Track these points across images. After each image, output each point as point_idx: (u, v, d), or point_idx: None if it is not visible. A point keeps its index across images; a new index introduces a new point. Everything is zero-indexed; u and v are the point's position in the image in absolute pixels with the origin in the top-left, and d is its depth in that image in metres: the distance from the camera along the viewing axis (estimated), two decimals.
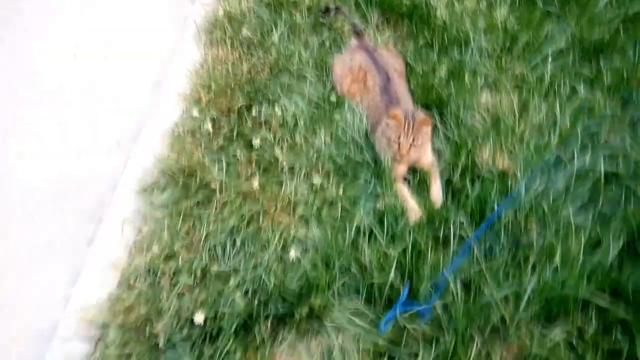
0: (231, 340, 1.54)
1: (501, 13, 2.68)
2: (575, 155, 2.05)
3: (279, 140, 2.07)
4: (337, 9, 2.61)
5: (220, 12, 2.51)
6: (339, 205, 1.89)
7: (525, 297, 1.62)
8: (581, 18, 2.71)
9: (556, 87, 2.38)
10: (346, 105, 2.20)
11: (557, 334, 1.60)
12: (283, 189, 1.94)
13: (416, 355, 1.49)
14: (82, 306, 1.61)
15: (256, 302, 1.60)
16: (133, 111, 2.29)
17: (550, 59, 2.46)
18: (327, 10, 2.62)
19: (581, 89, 2.36)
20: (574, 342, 1.59)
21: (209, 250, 1.77)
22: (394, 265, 1.64)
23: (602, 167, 2.00)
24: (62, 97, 2.30)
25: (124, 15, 2.76)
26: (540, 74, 2.42)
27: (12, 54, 2.53)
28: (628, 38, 2.64)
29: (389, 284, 1.61)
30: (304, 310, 1.59)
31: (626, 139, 2.19)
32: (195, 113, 2.11)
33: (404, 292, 1.59)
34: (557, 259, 1.71)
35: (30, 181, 2.02)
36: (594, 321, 1.64)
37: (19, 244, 1.88)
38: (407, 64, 2.44)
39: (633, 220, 1.85)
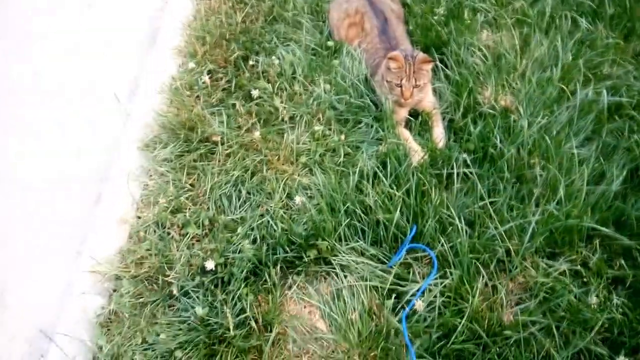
0: (242, 285, 1.57)
1: None
2: (578, 89, 2.02)
3: (277, 89, 2.05)
4: None
5: None
6: (342, 151, 1.89)
7: (530, 230, 1.64)
8: None
9: (557, 20, 2.32)
10: (344, 51, 2.16)
11: (561, 263, 1.63)
12: (285, 139, 1.93)
13: (423, 290, 1.53)
14: (94, 261, 1.64)
15: (265, 248, 1.63)
16: (129, 57, 2.25)
17: None
18: None
19: (583, 21, 2.31)
20: (579, 270, 1.62)
21: (215, 201, 1.79)
22: (399, 205, 1.65)
23: (605, 99, 1.98)
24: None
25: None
26: (540, 8, 2.36)
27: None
28: None
29: (394, 223, 1.62)
30: (312, 253, 1.62)
31: (629, 70, 2.16)
32: (192, 65, 2.08)
33: (411, 233, 1.61)
34: (561, 191, 1.72)
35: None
36: (598, 250, 1.66)
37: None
38: (405, 5, 2.37)
39: (637, 150, 1.85)
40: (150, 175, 1.87)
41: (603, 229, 1.65)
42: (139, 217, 1.76)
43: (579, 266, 1.62)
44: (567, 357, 1.45)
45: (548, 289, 1.57)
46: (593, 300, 1.53)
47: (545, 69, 2.13)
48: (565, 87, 2.05)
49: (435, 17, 2.25)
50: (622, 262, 1.64)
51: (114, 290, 1.62)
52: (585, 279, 1.61)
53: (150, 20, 2.42)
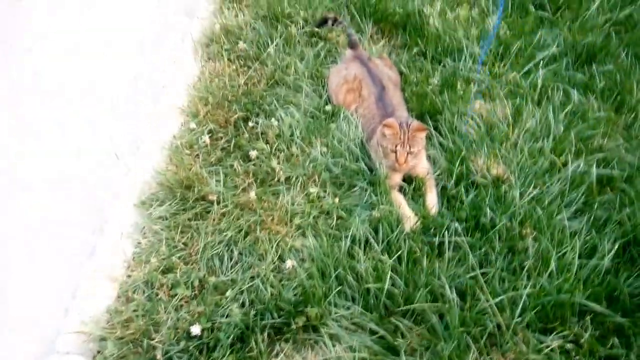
0: (228, 352, 1.55)
1: (494, 20, 2.71)
2: (570, 160, 2.07)
3: (275, 151, 2.10)
4: (335, 19, 2.65)
5: (217, 27, 2.55)
6: (335, 214, 1.91)
7: (521, 303, 1.63)
8: (573, 23, 2.74)
9: (549, 92, 2.40)
10: (342, 115, 2.23)
11: (553, 340, 1.61)
12: (280, 200, 1.96)
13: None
14: (80, 320, 1.63)
15: (253, 312, 1.62)
16: (132, 116, 2.33)
17: (542, 65, 2.49)
18: (325, 21, 2.66)
19: (574, 93, 2.38)
20: (570, 348, 1.60)
21: (206, 261, 1.79)
22: (389, 273, 1.65)
23: (594, 172, 2.01)
24: (62, 97, 2.33)
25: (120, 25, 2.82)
26: (533, 80, 2.44)
27: (12, 54, 2.56)
28: (620, 41, 2.67)
29: (385, 291, 1.61)
30: (301, 320, 1.61)
31: (620, 143, 2.21)
32: (193, 125, 2.14)
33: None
34: (553, 264, 1.72)
35: (30, 181, 2.03)
36: (590, 327, 1.64)
37: (20, 249, 1.89)
38: (401, 73, 2.46)
39: (628, 224, 1.86)
40: (144, 233, 1.88)
41: (594, 305, 1.64)
42: (129, 276, 1.76)
43: (570, 344, 1.60)
44: None
45: None
46: None
47: (537, 140, 2.18)
48: (557, 158, 2.09)
49: (430, 87, 2.33)
50: (615, 340, 1.62)
51: (98, 352, 1.59)
52: (577, 357, 1.59)
53: (156, 78, 2.51)
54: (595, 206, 1.94)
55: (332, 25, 2.65)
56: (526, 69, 2.50)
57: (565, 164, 2.07)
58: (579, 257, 1.74)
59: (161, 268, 1.75)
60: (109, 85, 2.37)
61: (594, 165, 2.04)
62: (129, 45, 2.53)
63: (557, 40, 2.64)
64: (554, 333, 1.62)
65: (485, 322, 1.60)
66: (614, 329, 1.66)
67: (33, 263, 1.88)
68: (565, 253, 1.76)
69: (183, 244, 1.84)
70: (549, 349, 1.58)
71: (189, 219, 1.90)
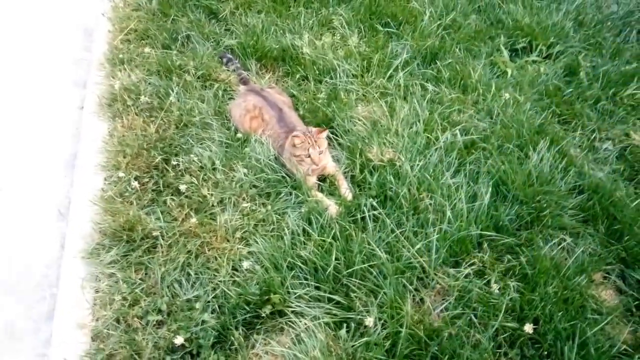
0: (212, 354, 1.74)
1: (354, 41, 3.24)
2: (439, 135, 2.59)
3: (202, 181, 2.33)
4: (229, 59, 2.99)
5: (117, 86, 2.73)
6: (270, 219, 2.19)
7: (434, 247, 2.04)
8: (414, 32, 3.36)
9: (411, 88, 2.95)
10: (252, 140, 2.54)
11: (465, 268, 2.04)
12: (218, 220, 2.19)
13: (367, 311, 1.82)
14: None
15: (224, 314, 1.82)
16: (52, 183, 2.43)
17: (400, 69, 3.04)
18: (223, 57, 3.02)
19: (429, 86, 2.96)
20: (479, 270, 2.04)
21: (167, 287, 1.95)
22: (331, 251, 1.97)
23: (459, 139, 2.55)
24: None
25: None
26: (396, 82, 2.98)
27: None
28: (452, 40, 3.34)
29: (332, 265, 1.93)
30: (267, 308, 1.85)
31: (472, 114, 2.80)
32: (120, 174, 2.29)
33: None
34: (448, 213, 2.17)
35: None
36: (488, 251, 2.11)
37: None
38: (292, 95, 2.86)
39: (494, 171, 2.40)
40: (100, 279, 1.99)
41: (487, 233, 2.11)
42: (98, 319, 1.86)
43: (478, 267, 2.04)
44: (489, 337, 1.81)
45: (460, 289, 1.96)
46: (495, 288, 1.94)
47: (411, 126, 2.68)
48: (429, 136, 2.60)
49: (320, 101, 2.74)
50: (508, 256, 2.10)
51: None
52: (485, 276, 2.03)
53: (64, 146, 2.63)
54: (468, 164, 2.46)
55: (226, 64, 2.98)
56: (388, 74, 3.04)
57: (437, 139, 2.58)
58: (466, 203, 2.22)
59: (127, 304, 1.87)
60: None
61: (458, 134, 2.58)
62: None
63: (405, 48, 3.23)
64: (464, 263, 2.06)
65: (413, 266, 1.98)
66: (504, 250, 2.15)
67: None
68: (455, 203, 2.23)
69: (140, 279, 1.99)
70: (464, 276, 2.00)
71: (140, 256, 2.05)
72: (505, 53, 3.36)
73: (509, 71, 3.23)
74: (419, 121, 2.67)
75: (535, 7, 3.79)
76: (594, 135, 2.80)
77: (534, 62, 3.35)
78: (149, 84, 2.84)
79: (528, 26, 3.51)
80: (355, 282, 1.90)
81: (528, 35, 3.47)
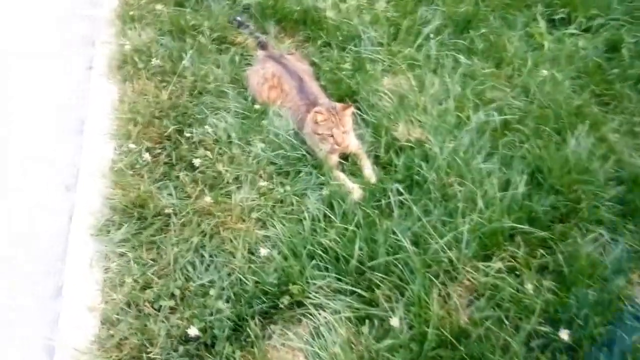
0: (227, 345, 1.65)
1: (381, 5, 3.01)
2: (471, 114, 2.41)
3: (217, 155, 2.19)
4: (240, 23, 2.78)
5: (128, 47, 2.55)
6: (289, 201, 2.06)
7: (464, 239, 1.91)
8: None
9: (441, 60, 2.74)
10: (270, 111, 2.37)
11: (495, 262, 1.91)
12: (233, 199, 2.06)
13: (391, 308, 1.71)
14: (70, 355, 1.62)
15: (240, 304, 1.72)
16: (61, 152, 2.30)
17: (430, 38, 2.82)
18: (234, 20, 2.80)
19: (461, 58, 2.75)
20: (511, 265, 1.92)
21: (180, 271, 1.85)
22: (354, 239, 1.84)
23: (494, 119, 2.38)
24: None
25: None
26: (426, 52, 2.77)
27: None
28: (487, 7, 3.10)
29: (355, 255, 1.81)
30: (285, 299, 1.75)
31: (506, 92, 2.61)
32: (131, 146, 2.16)
33: None
34: (479, 201, 2.03)
35: None
36: (522, 245, 1.97)
37: None
38: (313, 63, 2.66)
39: (529, 156, 2.24)
40: (110, 259, 1.89)
41: (520, 226, 1.97)
42: (107, 302, 1.77)
43: (510, 262, 1.92)
44: (520, 342, 1.70)
45: (491, 286, 1.84)
46: (529, 287, 1.82)
47: (440, 102, 2.50)
48: (460, 114, 2.42)
49: (344, 72, 2.55)
50: (542, 251, 1.97)
51: None
52: (517, 272, 1.91)
53: (75, 110, 2.48)
54: (500, 147, 2.30)
55: (238, 27, 2.78)
56: (417, 43, 2.82)
57: (468, 118, 2.41)
58: (499, 191, 2.07)
59: (138, 287, 1.78)
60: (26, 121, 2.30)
61: (492, 114, 2.40)
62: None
63: (436, 14, 3.00)
64: (495, 257, 1.93)
65: (441, 260, 1.86)
66: (538, 244, 2.01)
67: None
68: (486, 191, 2.09)
69: (152, 259, 1.88)
70: (495, 271, 1.88)
71: (151, 235, 1.94)
72: (543, 24, 3.12)
73: (546, 44, 3.00)
74: (449, 98, 2.49)
75: None
76: (634, 119, 2.61)
77: (572, 35, 3.11)
78: (161, 44, 2.65)
79: None
80: (379, 276, 1.78)
81: (567, 4, 3.22)
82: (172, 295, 1.77)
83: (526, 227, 1.99)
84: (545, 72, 2.71)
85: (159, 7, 2.83)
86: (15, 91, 2.61)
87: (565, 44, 3.00)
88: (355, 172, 2.24)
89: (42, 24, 2.97)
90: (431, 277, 1.80)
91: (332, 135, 2.14)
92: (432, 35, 2.83)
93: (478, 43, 2.85)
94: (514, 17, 3.09)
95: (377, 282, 1.78)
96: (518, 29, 3.02)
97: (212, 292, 1.76)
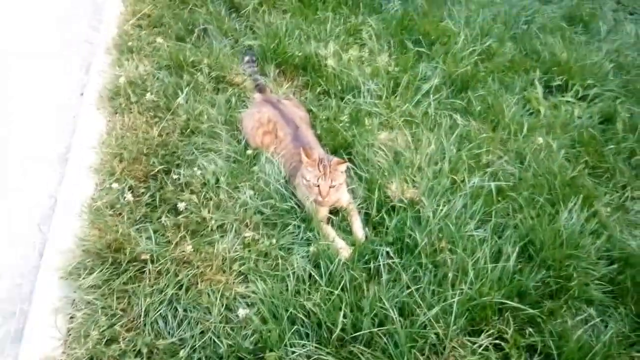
0: None
1: (382, 59, 3.01)
2: (466, 178, 2.37)
3: (203, 200, 2.11)
4: (250, 59, 2.76)
5: (122, 79, 2.48)
6: (274, 255, 1.97)
7: (453, 312, 1.83)
8: (446, 55, 3.14)
9: (438, 119, 2.72)
10: (263, 158, 2.31)
11: (483, 339, 1.83)
12: (216, 248, 1.97)
13: None
14: None
15: None
16: (36, 184, 2.20)
17: (429, 95, 2.81)
18: (246, 54, 2.79)
19: (458, 118, 2.74)
20: (498, 343, 1.84)
21: (151, 324, 1.74)
22: (338, 305, 1.75)
23: (488, 184, 2.34)
24: None
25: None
26: (424, 110, 2.75)
27: None
28: (486, 69, 3.12)
29: (339, 323, 1.71)
30: None
31: (501, 156, 2.59)
32: (114, 185, 2.07)
33: None
34: (470, 271, 1.96)
35: None
36: (510, 322, 1.90)
37: None
38: (310, 111, 2.62)
39: (522, 227, 2.20)
40: (76, 306, 1.77)
41: (509, 302, 1.91)
42: (68, 355, 1.64)
43: (497, 340, 1.84)
44: None
45: None
46: None
47: (436, 163, 2.46)
48: (455, 177, 2.38)
49: (341, 124, 2.51)
50: (530, 329, 1.89)
51: None
52: (505, 350, 1.83)
53: (59, 137, 2.39)
54: (493, 215, 2.25)
55: (245, 64, 2.75)
56: (416, 99, 2.81)
57: (462, 182, 2.37)
58: (490, 262, 2.01)
59: (103, 341, 1.66)
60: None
61: (487, 180, 2.37)
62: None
63: (436, 72, 3.01)
64: (483, 333, 1.86)
65: (427, 335, 1.77)
66: (527, 320, 1.94)
67: None
68: (477, 259, 2.02)
69: (122, 310, 1.77)
70: (482, 348, 1.80)
71: (124, 283, 1.83)
72: (540, 89, 3.14)
73: (542, 110, 3.01)
74: (444, 159, 2.45)
75: (575, 42, 3.57)
76: (625, 194, 2.60)
77: (568, 102, 3.13)
78: (157, 79, 2.60)
79: (565, 62, 3.30)
80: (362, 349, 1.69)
81: (564, 72, 3.25)
82: (139, 353, 1.65)
83: (516, 304, 1.92)
84: (540, 140, 2.70)
85: (159, 40, 2.79)
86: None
87: (561, 111, 3.02)
88: (344, 228, 2.17)
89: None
90: (416, 353, 1.71)
91: (317, 185, 2.08)
92: (431, 93, 2.82)
93: (476, 104, 2.84)
94: (512, 81, 3.11)
95: (359, 354, 1.68)
96: (515, 92, 3.03)
97: (182, 353, 1.64)
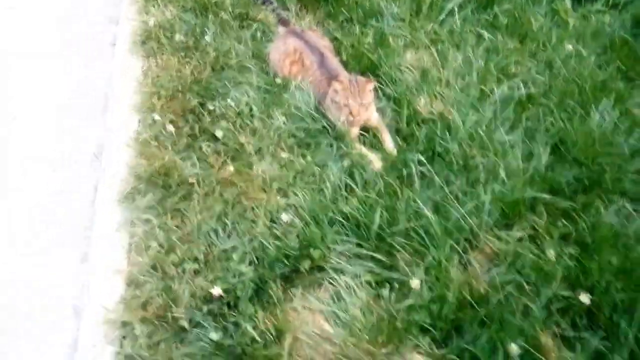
0: (249, 305, 1.68)
1: None
2: (494, 87, 2.38)
3: (239, 127, 2.22)
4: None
5: (152, 23, 2.59)
6: (310, 171, 2.07)
7: (485, 208, 1.90)
8: None
9: (464, 35, 2.71)
10: (292, 86, 2.39)
11: (517, 231, 1.90)
12: (255, 170, 2.09)
13: (412, 272, 1.72)
14: (97, 313, 1.68)
15: (262, 267, 1.75)
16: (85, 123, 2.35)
17: (454, 14, 2.79)
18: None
19: (485, 33, 2.72)
20: (532, 234, 1.90)
21: (204, 237, 1.89)
22: (375, 207, 1.85)
23: (517, 93, 2.35)
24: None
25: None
26: (449, 28, 2.74)
27: None
28: None
29: (376, 221, 1.81)
30: (306, 263, 1.77)
31: (530, 67, 2.57)
32: (156, 117, 2.20)
33: None
34: (501, 172, 2.02)
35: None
36: (544, 214, 1.95)
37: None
38: (335, 39, 2.66)
39: (553, 129, 2.21)
40: (136, 225, 1.93)
41: (543, 195, 1.96)
42: (133, 265, 1.82)
43: (531, 231, 1.90)
44: (540, 305, 1.69)
45: (512, 253, 1.83)
46: (550, 254, 1.80)
47: (463, 76, 2.48)
48: (483, 88, 2.40)
49: (365, 47, 2.55)
50: (564, 221, 1.95)
51: (124, 337, 1.65)
52: (538, 241, 1.89)
53: (99, 85, 2.52)
54: (524, 120, 2.27)
55: (263, 4, 2.79)
56: (440, 18, 2.80)
57: (491, 91, 2.38)
58: (521, 162, 2.05)
59: (163, 251, 1.82)
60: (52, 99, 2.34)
61: (515, 88, 2.37)
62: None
63: None
64: (516, 226, 1.92)
65: (461, 227, 1.85)
66: (560, 214, 1.99)
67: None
68: (509, 162, 2.07)
69: (176, 226, 1.92)
70: (516, 239, 1.87)
71: (176, 203, 1.98)
72: (568, 0, 3.05)
73: (571, 21, 2.94)
74: (472, 72, 2.47)
75: None
76: None
77: (598, 11, 3.04)
78: (184, 21, 2.68)
79: None
80: (400, 240, 1.79)
81: None
82: (196, 259, 1.80)
83: (548, 197, 1.97)
84: (570, 48, 2.66)
85: None
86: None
87: (590, 21, 2.94)
88: (375, 145, 2.24)
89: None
90: (452, 243, 1.80)
91: (348, 106, 2.15)
92: (455, 10, 2.80)
93: (502, 19, 2.81)
94: None
95: (398, 247, 1.79)
96: (543, 4, 2.96)
97: (234, 256, 1.79)
